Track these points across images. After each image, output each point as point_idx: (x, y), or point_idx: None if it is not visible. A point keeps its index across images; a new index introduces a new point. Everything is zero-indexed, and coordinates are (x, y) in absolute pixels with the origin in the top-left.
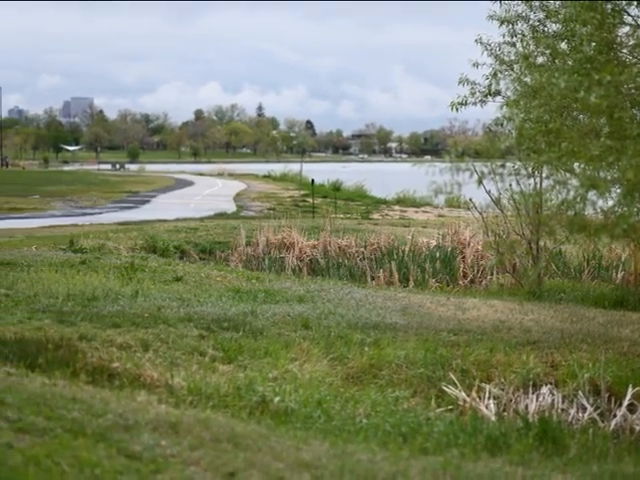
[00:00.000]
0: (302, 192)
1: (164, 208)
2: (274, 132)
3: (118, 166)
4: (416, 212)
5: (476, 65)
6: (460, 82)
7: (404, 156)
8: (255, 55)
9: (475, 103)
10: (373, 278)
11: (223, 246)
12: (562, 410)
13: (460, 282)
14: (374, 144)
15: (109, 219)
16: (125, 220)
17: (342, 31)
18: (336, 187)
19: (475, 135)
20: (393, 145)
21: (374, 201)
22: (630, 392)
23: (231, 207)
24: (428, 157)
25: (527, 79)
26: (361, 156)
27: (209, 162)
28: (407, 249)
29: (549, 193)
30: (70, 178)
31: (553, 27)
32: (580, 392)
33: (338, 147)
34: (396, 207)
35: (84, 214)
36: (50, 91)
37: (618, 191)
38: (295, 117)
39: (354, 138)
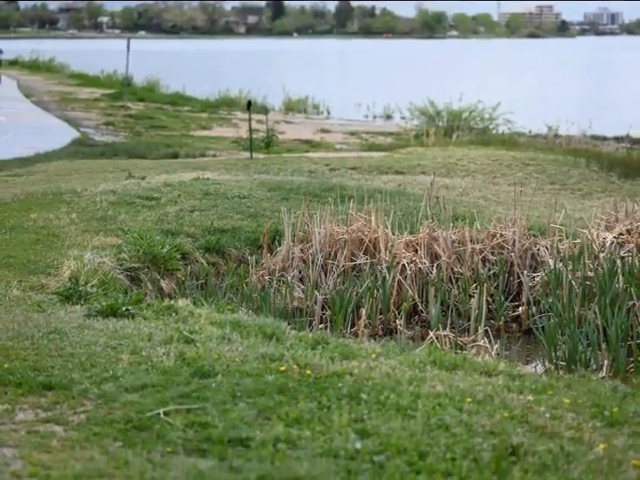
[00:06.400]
0: (102, 92)
1: None
2: None
3: None
4: (288, 123)
5: None
6: None
7: (117, 32)
8: None
9: None
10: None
11: (234, 238)
12: None
13: None
14: (84, 18)
15: None
16: None
17: None
18: (127, 82)
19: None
20: (105, 20)
21: (203, 105)
22: None
23: (57, 123)
24: (143, 32)
25: None
26: (71, 32)
27: None
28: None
29: None
30: None
31: None
32: None
33: (45, 22)
34: (239, 114)
35: None
36: None
37: None
38: None
39: (62, 12)
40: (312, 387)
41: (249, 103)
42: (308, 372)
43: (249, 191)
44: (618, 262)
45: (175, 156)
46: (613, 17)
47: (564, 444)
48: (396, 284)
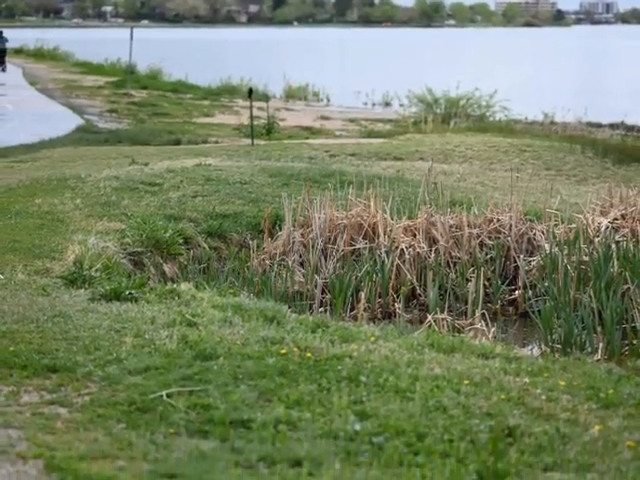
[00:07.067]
0: (106, 79)
1: None
2: None
3: None
4: (288, 110)
5: None
6: None
7: (120, 21)
8: None
9: None
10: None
11: (236, 223)
12: None
13: None
14: (88, 7)
15: None
16: None
17: None
18: (130, 70)
19: None
20: (108, 9)
21: (205, 92)
22: None
23: (61, 110)
24: (146, 21)
25: None
26: (75, 21)
27: None
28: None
29: None
30: None
31: None
32: None
33: (49, 11)
34: (240, 101)
35: None
36: None
37: None
38: None
39: (66, 1)
40: (312, 370)
41: (250, 91)
42: (308, 355)
43: (250, 177)
44: (613, 246)
45: (177, 143)
46: (608, 6)
47: (560, 425)
48: (395, 268)
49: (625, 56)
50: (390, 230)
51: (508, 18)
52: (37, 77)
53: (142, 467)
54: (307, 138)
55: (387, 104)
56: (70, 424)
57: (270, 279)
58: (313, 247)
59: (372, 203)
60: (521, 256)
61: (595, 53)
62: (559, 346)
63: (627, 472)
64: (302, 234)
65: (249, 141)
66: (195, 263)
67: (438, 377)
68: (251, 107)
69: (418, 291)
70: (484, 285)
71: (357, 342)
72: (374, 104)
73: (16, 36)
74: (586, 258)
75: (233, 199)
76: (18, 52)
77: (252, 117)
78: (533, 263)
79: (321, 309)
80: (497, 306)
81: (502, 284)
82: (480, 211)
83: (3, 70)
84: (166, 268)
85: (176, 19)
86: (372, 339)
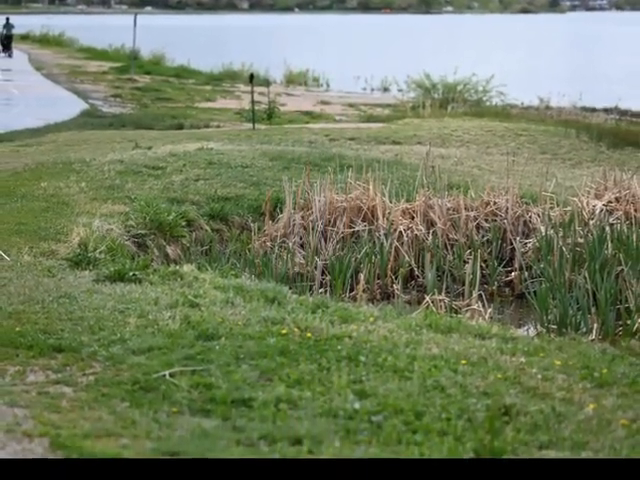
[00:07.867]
0: (110, 65)
1: None
2: None
3: None
4: (289, 95)
5: None
6: None
7: (124, 7)
8: None
9: None
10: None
11: (237, 206)
12: None
13: None
14: None
15: None
16: None
17: None
18: (134, 56)
19: None
20: None
21: (207, 77)
22: None
23: (66, 95)
24: (149, 8)
25: None
26: (80, 7)
27: None
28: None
29: None
30: None
31: None
32: None
33: None
34: (241, 86)
35: None
36: None
37: None
38: None
39: None
40: (312, 349)
41: (251, 76)
42: (308, 335)
43: (251, 160)
44: (607, 229)
45: (180, 127)
46: None
47: (555, 404)
48: (393, 250)
49: (619, 42)
50: (389, 213)
51: (505, 5)
52: (42, 63)
53: (145, 445)
54: (307, 122)
55: (386, 89)
56: (75, 403)
57: (271, 261)
58: (313, 229)
59: (371, 186)
60: (517, 238)
61: (590, 39)
62: (554, 326)
63: (621, 450)
64: (302, 217)
65: (250, 125)
66: (197, 245)
67: (436, 357)
68: (252, 92)
69: (416, 272)
70: (481, 267)
71: (356, 322)
72: (373, 89)
73: (22, 22)
74: (581, 240)
75: (235, 182)
76: (24, 38)
77: (253, 102)
78: (529, 245)
79: (321, 290)
80: (494, 287)
81: (499, 266)
82: (477, 194)
83: (9, 56)
84: (169, 250)
85: (179, 6)
86: (371, 320)
